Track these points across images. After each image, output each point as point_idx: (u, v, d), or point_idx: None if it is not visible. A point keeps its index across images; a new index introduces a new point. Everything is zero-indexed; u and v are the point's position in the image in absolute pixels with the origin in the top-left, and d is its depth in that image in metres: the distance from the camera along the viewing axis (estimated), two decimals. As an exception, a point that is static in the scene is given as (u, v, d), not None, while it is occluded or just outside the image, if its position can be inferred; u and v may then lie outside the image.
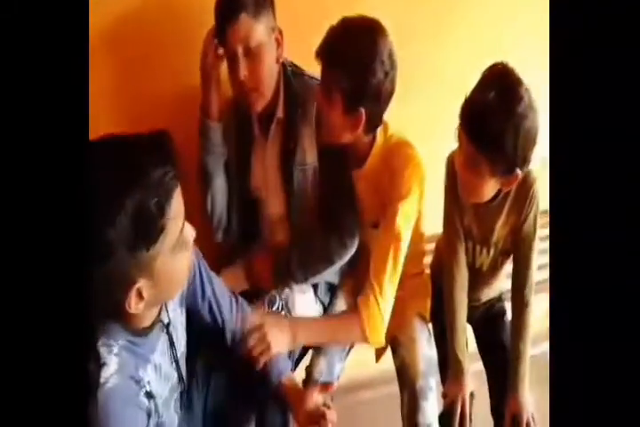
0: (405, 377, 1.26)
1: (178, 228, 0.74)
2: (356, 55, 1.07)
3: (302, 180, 1.29)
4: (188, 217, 0.79)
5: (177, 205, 0.72)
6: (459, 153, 1.14)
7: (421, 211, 1.28)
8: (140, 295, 0.74)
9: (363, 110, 1.11)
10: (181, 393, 1.02)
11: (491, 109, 1.01)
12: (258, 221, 1.43)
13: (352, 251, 1.32)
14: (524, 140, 1.02)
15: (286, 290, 1.33)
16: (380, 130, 1.23)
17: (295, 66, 1.30)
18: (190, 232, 0.79)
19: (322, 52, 1.10)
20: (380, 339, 1.21)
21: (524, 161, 1.06)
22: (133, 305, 0.74)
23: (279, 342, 1.12)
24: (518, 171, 1.07)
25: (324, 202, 1.32)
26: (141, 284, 0.73)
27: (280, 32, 1.21)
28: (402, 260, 1.20)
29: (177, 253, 0.76)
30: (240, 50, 1.14)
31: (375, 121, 1.17)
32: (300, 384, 1.15)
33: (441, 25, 1.59)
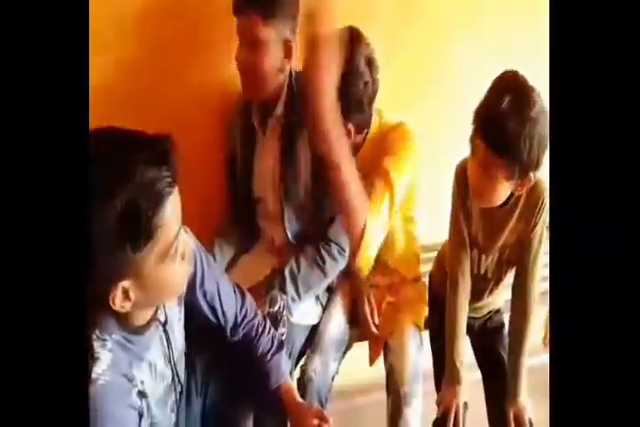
0: (391, 383, 1.26)
1: (170, 236, 0.71)
2: None
3: (295, 187, 1.30)
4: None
5: (170, 212, 0.69)
6: (472, 159, 1.12)
7: (413, 193, 1.27)
8: (126, 295, 0.71)
9: (350, 125, 1.12)
10: (180, 393, 0.98)
11: (506, 114, 1.00)
12: (259, 219, 1.43)
13: (343, 264, 1.33)
14: (537, 144, 1.02)
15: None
16: (374, 119, 1.22)
17: (301, 75, 1.29)
18: (187, 242, 0.76)
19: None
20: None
21: (537, 164, 1.05)
22: (118, 302, 0.71)
23: None
24: (532, 174, 1.07)
25: (317, 213, 1.31)
26: (127, 284, 0.70)
27: (291, 46, 1.22)
28: (395, 208, 1.13)
29: (169, 262, 0.73)
30: (246, 41, 1.19)
31: (364, 124, 1.17)
32: (296, 392, 1.10)
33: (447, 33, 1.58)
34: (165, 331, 0.90)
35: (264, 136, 1.32)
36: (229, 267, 1.41)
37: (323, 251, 1.29)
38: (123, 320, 0.80)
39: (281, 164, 1.29)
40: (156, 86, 1.34)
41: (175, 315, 0.94)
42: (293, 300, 1.28)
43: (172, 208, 0.69)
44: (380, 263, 1.34)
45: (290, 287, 1.27)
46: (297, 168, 1.28)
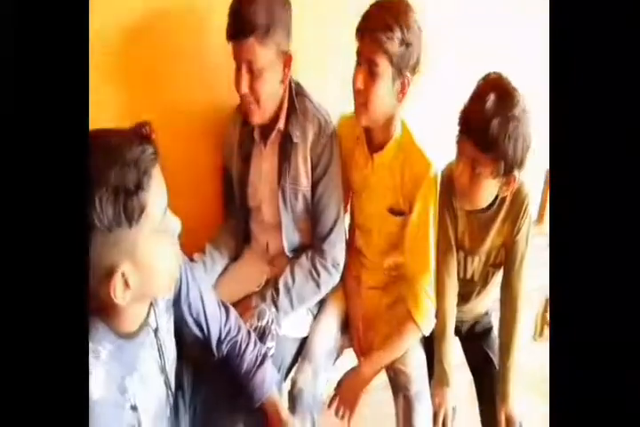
0: (400, 382, 1.24)
1: (160, 210, 0.72)
2: (398, 20, 1.09)
3: (294, 199, 1.28)
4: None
5: (157, 184, 0.70)
6: (458, 159, 1.14)
7: None
8: (125, 283, 0.70)
9: (409, 74, 1.14)
10: (171, 407, 0.95)
11: (490, 112, 1.03)
12: (252, 227, 1.41)
13: (337, 279, 1.32)
14: (521, 143, 1.05)
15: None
16: (399, 125, 1.24)
17: (299, 86, 1.28)
18: (175, 222, 0.76)
19: (363, 26, 1.12)
20: (430, 323, 1.25)
21: (521, 163, 1.08)
22: (119, 293, 0.70)
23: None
24: (516, 173, 1.09)
25: (315, 226, 1.30)
26: (125, 268, 0.69)
27: (290, 55, 1.19)
28: None
29: (160, 239, 0.73)
30: (244, 67, 1.14)
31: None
32: (283, 407, 1.09)
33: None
34: (157, 337, 0.88)
35: (264, 147, 1.29)
36: (220, 275, 1.39)
37: (318, 264, 1.28)
38: (115, 325, 0.78)
39: (280, 174, 1.26)
40: (151, 92, 1.30)
41: (164, 323, 0.92)
42: (286, 312, 1.26)
43: (157, 180, 0.70)
44: (372, 262, 1.36)
45: (284, 300, 1.24)
46: (297, 179, 1.26)
